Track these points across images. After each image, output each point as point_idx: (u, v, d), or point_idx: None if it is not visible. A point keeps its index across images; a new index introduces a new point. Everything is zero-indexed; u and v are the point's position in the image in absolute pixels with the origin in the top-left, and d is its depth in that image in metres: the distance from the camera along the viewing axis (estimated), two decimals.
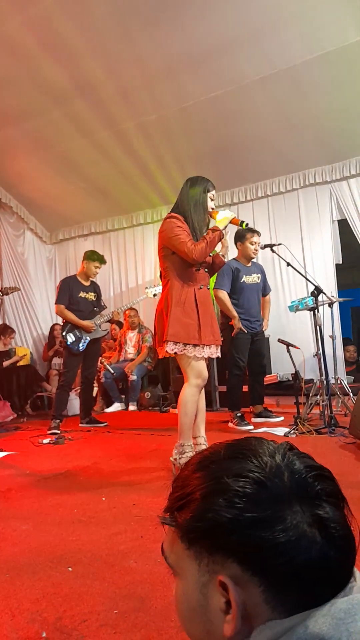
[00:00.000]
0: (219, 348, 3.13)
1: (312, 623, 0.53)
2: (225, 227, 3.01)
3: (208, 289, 3.13)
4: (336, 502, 0.59)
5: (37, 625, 1.39)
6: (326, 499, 0.58)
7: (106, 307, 5.39)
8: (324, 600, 0.55)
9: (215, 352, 3.08)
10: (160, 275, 3.16)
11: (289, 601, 0.55)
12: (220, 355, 3.16)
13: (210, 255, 3.10)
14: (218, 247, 3.11)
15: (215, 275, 4.74)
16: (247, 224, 3.07)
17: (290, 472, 0.59)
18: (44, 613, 1.45)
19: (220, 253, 3.24)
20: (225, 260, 3.47)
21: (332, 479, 0.61)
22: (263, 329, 4.80)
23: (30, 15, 4.41)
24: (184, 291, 2.98)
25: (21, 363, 6.70)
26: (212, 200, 3.09)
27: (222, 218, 3.02)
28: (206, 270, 3.14)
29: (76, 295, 5.04)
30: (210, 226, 3.05)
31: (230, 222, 3.03)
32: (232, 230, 3.96)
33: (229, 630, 0.57)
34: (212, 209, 3.10)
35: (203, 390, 3.12)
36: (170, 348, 2.92)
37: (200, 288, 3.04)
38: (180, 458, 2.86)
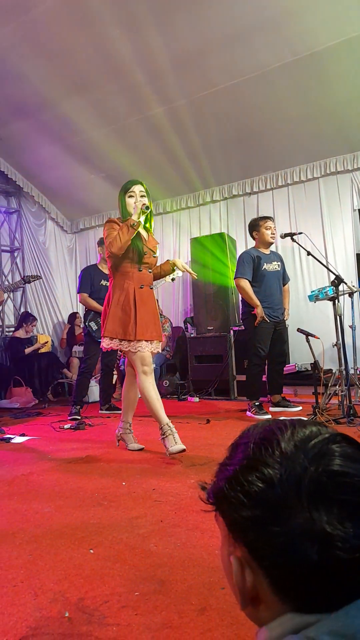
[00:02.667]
0: (160, 344, 3.35)
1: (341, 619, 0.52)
2: (138, 214, 3.16)
3: (151, 288, 3.34)
4: (355, 515, 0.54)
5: (59, 605, 1.43)
6: (341, 511, 0.54)
7: None
8: (342, 604, 0.53)
9: (156, 347, 3.28)
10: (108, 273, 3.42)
11: (300, 600, 0.55)
12: (160, 351, 3.45)
13: (154, 256, 3.36)
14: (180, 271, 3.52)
15: (236, 264, 4.75)
16: (145, 206, 3.19)
17: (316, 472, 0.56)
18: (66, 593, 1.49)
19: (173, 276, 3.56)
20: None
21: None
22: (285, 318, 4.77)
23: None
24: (124, 291, 3.22)
25: (42, 350, 6.80)
26: (132, 196, 3.28)
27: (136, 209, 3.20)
28: (150, 271, 3.34)
29: (97, 284, 5.12)
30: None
31: (141, 211, 3.18)
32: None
33: (240, 600, 0.60)
34: (143, 204, 3.22)
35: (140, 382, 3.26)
36: (107, 343, 3.23)
37: (141, 287, 3.25)
38: (163, 438, 3.10)
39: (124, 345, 3.20)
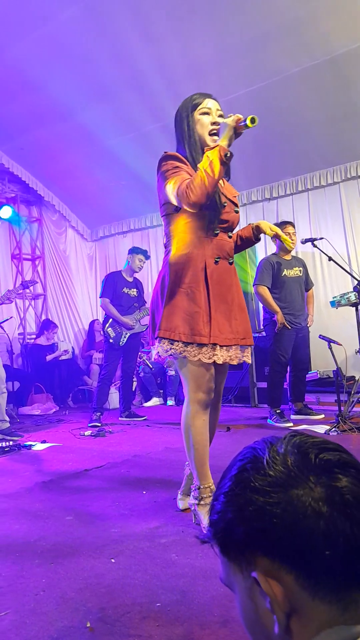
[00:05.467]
0: (249, 350, 2.23)
1: None
2: (230, 138, 1.99)
3: (231, 263, 2.21)
4: (354, 473, 0.58)
5: (81, 614, 1.42)
6: (338, 470, 0.58)
7: (146, 303, 5.45)
8: None
9: (238, 355, 2.17)
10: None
11: (325, 582, 0.55)
12: (250, 361, 2.24)
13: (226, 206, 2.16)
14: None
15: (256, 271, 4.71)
16: (252, 118, 1.95)
17: (294, 454, 0.60)
18: (88, 603, 1.48)
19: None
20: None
21: (339, 450, 0.61)
22: (308, 325, 4.71)
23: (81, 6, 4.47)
24: (189, 265, 2.09)
25: (63, 357, 6.85)
26: (207, 114, 2.16)
27: (222, 129, 2.02)
28: (230, 236, 2.22)
29: (119, 290, 5.15)
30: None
31: (236, 129, 2.00)
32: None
33: (277, 627, 0.57)
34: (216, 124, 2.13)
35: (214, 417, 2.25)
36: (165, 349, 2.06)
37: (216, 261, 2.12)
38: (196, 505, 2.07)
39: (190, 352, 2.04)
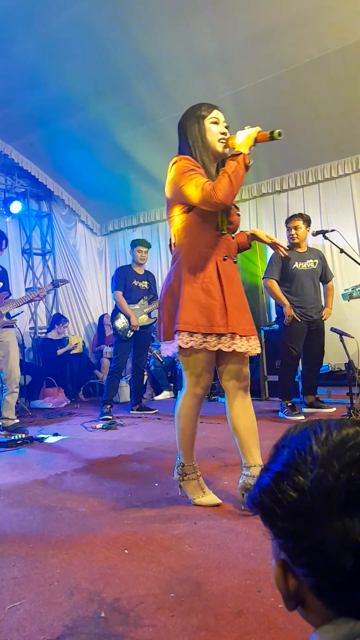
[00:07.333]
0: (257, 342, 2.30)
1: None
2: (250, 148, 2.15)
3: (235, 262, 2.34)
4: None
5: (95, 605, 1.43)
6: None
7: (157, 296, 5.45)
8: None
9: (258, 346, 2.29)
10: (169, 246, 2.39)
11: (343, 606, 0.55)
12: (259, 352, 2.34)
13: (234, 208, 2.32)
14: None
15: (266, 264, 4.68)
16: (279, 132, 2.10)
17: (348, 480, 0.54)
18: (102, 593, 1.49)
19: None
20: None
21: None
22: (322, 318, 4.60)
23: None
24: (202, 263, 2.20)
25: (74, 351, 6.88)
26: (216, 123, 2.27)
27: (243, 139, 2.15)
28: (233, 236, 2.36)
29: (129, 283, 5.17)
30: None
31: (257, 140, 2.15)
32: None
33: (286, 607, 0.61)
34: (224, 134, 2.26)
35: (248, 401, 2.32)
36: (185, 341, 2.13)
37: (225, 259, 2.25)
38: (181, 480, 2.30)
39: (210, 343, 2.14)
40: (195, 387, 2.23)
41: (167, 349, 2.23)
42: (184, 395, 2.27)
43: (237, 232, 2.46)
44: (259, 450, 2.22)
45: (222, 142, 2.24)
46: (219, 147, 2.25)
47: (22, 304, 4.72)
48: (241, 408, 2.27)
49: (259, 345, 2.32)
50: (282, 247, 2.49)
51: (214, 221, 2.21)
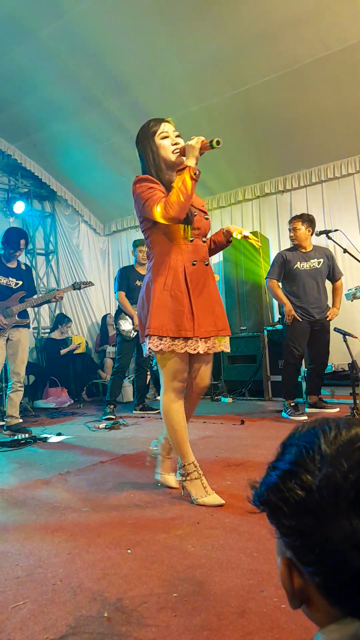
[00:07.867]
0: (227, 341, 2.48)
1: None
2: (196, 157, 2.27)
3: (207, 264, 2.45)
4: None
5: (98, 604, 1.43)
6: None
7: None
8: None
9: (215, 345, 2.42)
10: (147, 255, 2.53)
11: (349, 605, 0.55)
12: (229, 350, 2.51)
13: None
14: None
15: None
16: (217, 141, 2.23)
17: (357, 479, 0.54)
18: (105, 593, 1.49)
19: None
20: None
21: None
22: (327, 318, 4.54)
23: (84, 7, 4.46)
24: (170, 270, 2.34)
25: (77, 351, 6.89)
26: (166, 137, 2.38)
27: (189, 150, 2.28)
28: (204, 240, 2.47)
29: (132, 284, 5.17)
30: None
31: (201, 149, 2.27)
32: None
33: (290, 606, 0.61)
34: (176, 144, 2.37)
35: (198, 401, 2.58)
36: (155, 344, 2.30)
37: (194, 264, 2.36)
38: (184, 480, 2.34)
39: (177, 345, 2.30)
40: (173, 382, 2.38)
41: (145, 350, 2.41)
42: (164, 392, 2.41)
43: (214, 232, 2.63)
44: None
45: (176, 153, 2.36)
46: (174, 158, 2.37)
47: (38, 305, 4.68)
48: (191, 407, 2.55)
49: (226, 344, 2.47)
50: (254, 239, 2.55)
51: (178, 231, 2.36)
